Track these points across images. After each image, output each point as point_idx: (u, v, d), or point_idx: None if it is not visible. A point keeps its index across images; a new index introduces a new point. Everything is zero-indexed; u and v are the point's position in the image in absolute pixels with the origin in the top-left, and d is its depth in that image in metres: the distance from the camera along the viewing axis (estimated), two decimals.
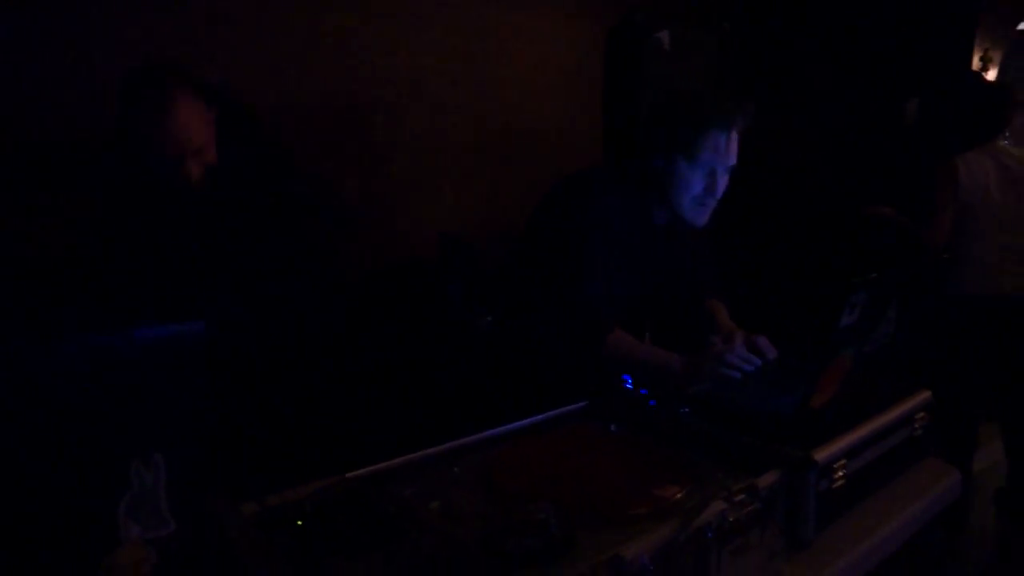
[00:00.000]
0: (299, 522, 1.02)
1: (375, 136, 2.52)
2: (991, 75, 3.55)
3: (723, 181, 1.57)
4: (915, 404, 1.41)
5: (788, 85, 3.50)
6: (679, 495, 1.05)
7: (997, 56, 3.57)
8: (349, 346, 1.89)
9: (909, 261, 2.63)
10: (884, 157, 3.39)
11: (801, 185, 3.44)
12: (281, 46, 2.24)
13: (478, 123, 2.78)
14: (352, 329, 1.94)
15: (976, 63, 3.47)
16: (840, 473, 1.19)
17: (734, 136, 1.54)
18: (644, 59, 2.49)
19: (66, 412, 0.65)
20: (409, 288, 2.26)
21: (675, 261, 1.73)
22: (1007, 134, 2.76)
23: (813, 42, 3.47)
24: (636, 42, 2.55)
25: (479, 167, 2.82)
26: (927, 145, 3.25)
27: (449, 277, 2.20)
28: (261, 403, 1.43)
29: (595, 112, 2.72)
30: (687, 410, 1.33)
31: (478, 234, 2.68)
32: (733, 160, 1.57)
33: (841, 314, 1.17)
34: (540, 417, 1.35)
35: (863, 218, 2.82)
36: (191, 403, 0.70)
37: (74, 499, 0.66)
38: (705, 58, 2.65)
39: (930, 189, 2.63)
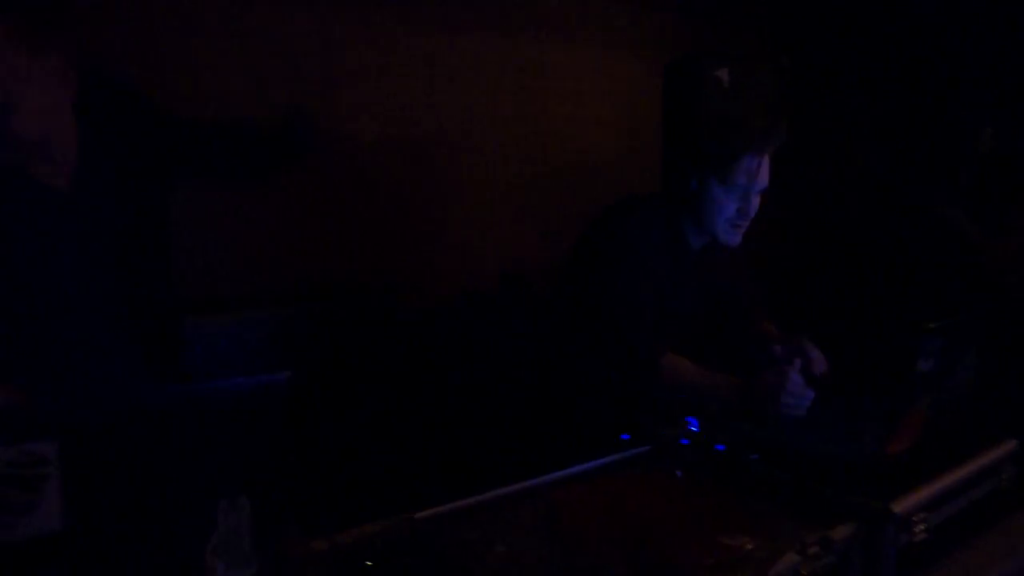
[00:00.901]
0: (368, 562, 1.04)
1: (432, 172, 2.59)
2: None
3: (755, 202, 1.58)
4: (1001, 454, 1.34)
5: (854, 118, 3.43)
6: (749, 546, 1.02)
7: None
8: (410, 384, 1.92)
9: (991, 302, 2.51)
10: (959, 190, 3.27)
11: (872, 221, 3.34)
12: (341, 81, 2.33)
13: (535, 159, 2.82)
14: (413, 365, 1.98)
15: None
16: (921, 527, 1.14)
17: (766, 159, 1.56)
18: (703, 96, 2.49)
19: (160, 457, 0.69)
20: (468, 325, 2.29)
21: (713, 283, 1.72)
22: None
23: (879, 72, 3.40)
24: (694, 79, 2.56)
25: (536, 203, 2.85)
26: (1004, 176, 3.11)
27: (509, 315, 2.22)
28: (335, 441, 1.47)
29: (653, 148, 2.72)
30: (756, 456, 1.30)
31: (535, 269, 2.70)
32: (765, 182, 1.57)
33: (917, 361, 1.13)
34: (604, 461, 1.35)
35: (940, 256, 2.72)
36: (274, 447, 0.73)
37: (165, 539, 0.69)
38: (765, 93, 2.63)
39: (1013, 223, 2.51)
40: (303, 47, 2.23)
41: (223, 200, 2.08)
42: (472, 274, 2.62)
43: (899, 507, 1.11)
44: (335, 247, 2.33)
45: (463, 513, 1.16)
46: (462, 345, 2.06)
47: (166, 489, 0.69)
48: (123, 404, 0.66)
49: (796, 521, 1.10)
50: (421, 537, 1.10)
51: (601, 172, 2.98)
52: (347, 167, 2.37)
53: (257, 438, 0.73)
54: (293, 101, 2.20)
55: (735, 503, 1.16)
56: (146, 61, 1.94)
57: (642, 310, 1.56)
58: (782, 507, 1.15)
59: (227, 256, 2.12)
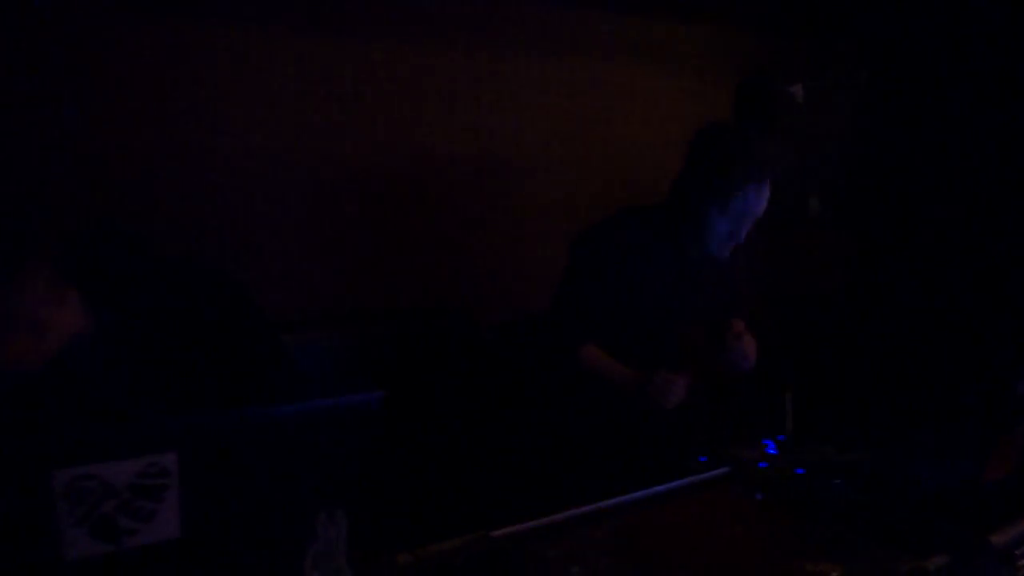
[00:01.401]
0: None
1: (505, 191, 2.63)
2: None
3: (748, 227, 1.63)
4: None
5: (940, 137, 3.28)
6: (834, 574, 0.99)
7: None
8: (486, 402, 1.95)
9: None
10: None
11: (964, 241, 3.19)
12: (416, 104, 2.41)
13: (607, 178, 2.83)
14: (491, 386, 2.00)
15: None
16: None
17: (766, 184, 1.60)
18: (775, 114, 2.45)
19: (265, 470, 0.74)
20: (543, 348, 2.30)
21: (708, 292, 1.76)
22: None
23: (968, 89, 3.25)
24: (767, 96, 2.52)
25: None
26: None
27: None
28: (413, 458, 1.51)
29: None
30: (840, 481, 1.26)
31: None
32: (761, 211, 1.63)
33: (1015, 384, 1.08)
34: (682, 482, 1.33)
35: None
36: (369, 463, 0.78)
37: (269, 547, 0.74)
38: (842, 110, 2.56)
39: None
40: (379, 73, 2.32)
41: (294, 221, 2.18)
42: (545, 292, 2.64)
43: (998, 539, 1.05)
44: (408, 267, 2.40)
45: (540, 532, 1.18)
46: (536, 363, 2.08)
47: (271, 500, 0.74)
48: (234, 420, 0.72)
49: (885, 550, 1.06)
50: (499, 554, 1.12)
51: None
52: (421, 188, 2.44)
53: (354, 454, 0.77)
54: (374, 125, 2.30)
55: (818, 529, 1.13)
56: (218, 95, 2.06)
57: (585, 302, 1.67)
58: (869, 535, 1.11)
59: (301, 276, 2.21)
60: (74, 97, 1.91)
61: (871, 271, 3.15)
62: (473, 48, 2.50)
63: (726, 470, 1.39)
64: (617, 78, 2.82)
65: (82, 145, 1.92)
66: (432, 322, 2.18)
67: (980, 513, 1.10)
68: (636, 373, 1.58)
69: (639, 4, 2.80)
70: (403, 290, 2.37)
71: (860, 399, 2.43)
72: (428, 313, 2.29)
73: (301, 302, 2.21)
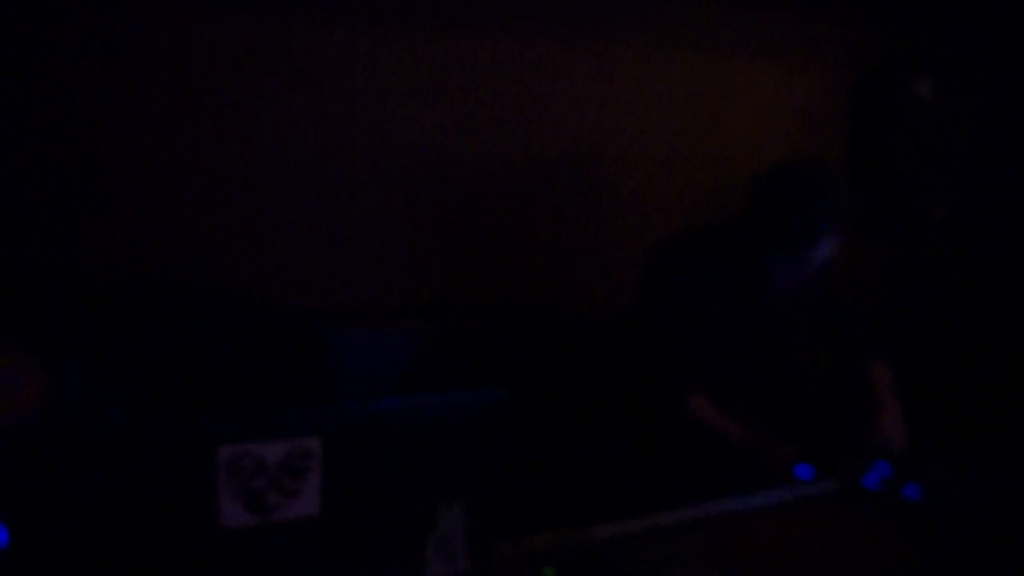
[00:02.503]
0: (552, 570, 1.10)
1: (600, 190, 2.62)
2: None
3: (813, 269, 1.55)
4: None
5: None
6: None
7: None
8: (589, 401, 1.96)
9: None
10: None
11: None
12: (505, 100, 2.43)
13: (704, 176, 2.76)
14: (585, 385, 2.01)
15: None
16: None
17: (835, 236, 1.49)
18: (898, 111, 2.31)
19: (395, 459, 0.79)
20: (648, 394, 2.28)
21: (776, 314, 1.68)
22: None
23: None
24: (888, 92, 2.38)
25: (704, 218, 2.79)
26: None
27: None
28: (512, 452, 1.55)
29: (838, 164, 2.57)
30: (960, 504, 1.20)
31: None
32: (831, 253, 1.52)
33: None
34: (786, 494, 1.31)
35: None
36: (491, 458, 0.82)
37: (396, 531, 0.80)
38: (975, 108, 2.38)
39: None
40: (468, 70, 2.36)
41: (391, 211, 2.26)
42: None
43: None
44: (500, 262, 2.44)
45: (639, 534, 1.19)
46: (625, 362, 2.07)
47: (400, 489, 0.79)
48: (373, 412, 0.78)
49: None
50: (599, 552, 1.14)
51: None
52: (513, 183, 2.47)
53: (477, 449, 0.81)
54: (464, 121, 2.34)
55: (933, 554, 1.08)
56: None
57: (680, 339, 1.61)
58: (989, 566, 1.05)
59: (394, 268, 2.30)
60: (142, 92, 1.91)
61: (998, 282, 2.94)
62: (564, 43, 2.50)
63: (833, 485, 1.35)
64: (725, 72, 2.74)
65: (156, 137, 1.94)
66: (520, 317, 2.21)
67: None
68: (754, 438, 1.51)
69: None
70: (491, 285, 2.42)
71: (977, 417, 2.29)
72: (517, 308, 2.32)
73: (402, 297, 2.29)
